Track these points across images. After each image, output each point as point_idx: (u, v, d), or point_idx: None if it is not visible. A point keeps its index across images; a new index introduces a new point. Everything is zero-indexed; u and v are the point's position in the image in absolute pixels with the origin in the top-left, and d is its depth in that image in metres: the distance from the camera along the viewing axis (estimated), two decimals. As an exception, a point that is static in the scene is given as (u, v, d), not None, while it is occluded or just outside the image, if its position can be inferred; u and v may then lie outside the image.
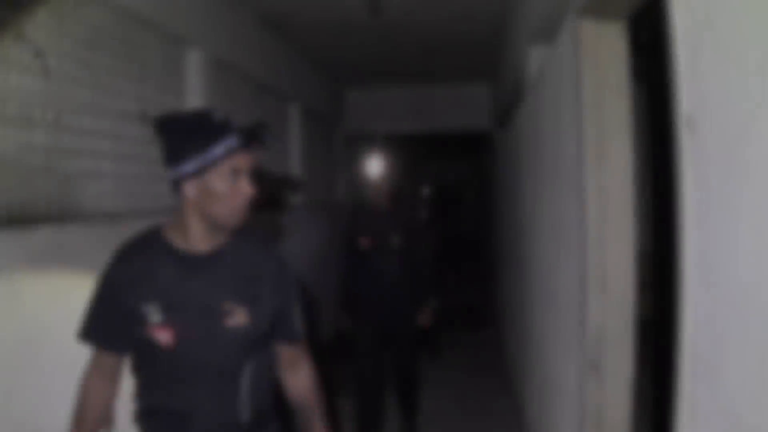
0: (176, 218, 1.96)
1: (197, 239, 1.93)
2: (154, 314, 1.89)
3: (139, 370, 2.01)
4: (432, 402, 5.70)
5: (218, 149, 1.81)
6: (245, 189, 1.88)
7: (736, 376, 1.25)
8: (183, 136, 1.87)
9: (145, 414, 2.00)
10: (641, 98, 3.84)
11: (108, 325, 1.98)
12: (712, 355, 1.35)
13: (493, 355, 7.55)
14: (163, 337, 1.88)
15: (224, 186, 1.85)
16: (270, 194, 6.22)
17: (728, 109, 1.26)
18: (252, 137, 1.88)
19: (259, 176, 2.06)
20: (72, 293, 2.88)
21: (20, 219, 2.72)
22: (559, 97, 3.11)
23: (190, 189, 1.86)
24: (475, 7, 5.55)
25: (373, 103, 9.71)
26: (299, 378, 2.17)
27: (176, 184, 1.88)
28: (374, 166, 4.90)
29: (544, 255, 3.86)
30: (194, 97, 4.41)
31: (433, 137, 10.82)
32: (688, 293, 1.45)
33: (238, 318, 1.93)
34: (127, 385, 2.08)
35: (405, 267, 4.85)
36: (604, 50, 2.47)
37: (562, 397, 3.14)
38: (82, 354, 2.09)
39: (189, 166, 1.82)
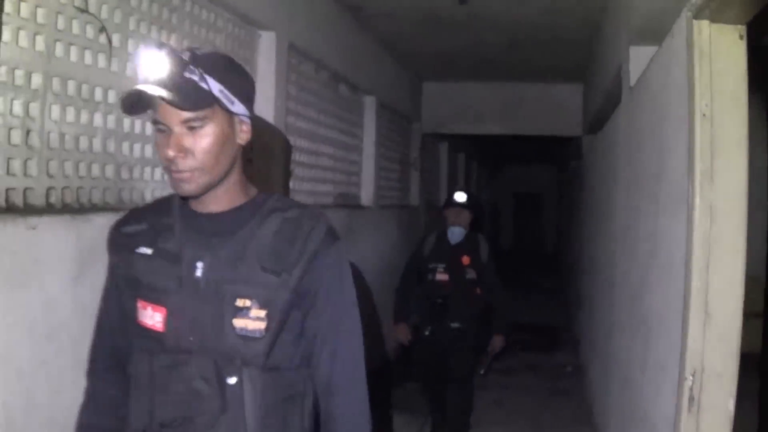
0: None
1: None
2: None
3: None
4: (502, 429, 5.67)
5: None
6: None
7: None
8: None
9: None
10: (758, 107, 3.75)
11: None
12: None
13: (570, 379, 7.46)
14: None
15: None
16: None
17: None
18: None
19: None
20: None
21: (73, 207, 2.76)
22: (665, 104, 3.07)
23: None
24: (568, 0, 5.50)
25: (455, 99, 9.66)
26: None
27: None
28: None
29: (636, 274, 3.80)
30: (265, 83, 4.47)
31: (515, 139, 10.75)
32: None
33: None
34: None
35: None
36: (721, 55, 2.42)
37: (650, 432, 3.09)
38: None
39: None
